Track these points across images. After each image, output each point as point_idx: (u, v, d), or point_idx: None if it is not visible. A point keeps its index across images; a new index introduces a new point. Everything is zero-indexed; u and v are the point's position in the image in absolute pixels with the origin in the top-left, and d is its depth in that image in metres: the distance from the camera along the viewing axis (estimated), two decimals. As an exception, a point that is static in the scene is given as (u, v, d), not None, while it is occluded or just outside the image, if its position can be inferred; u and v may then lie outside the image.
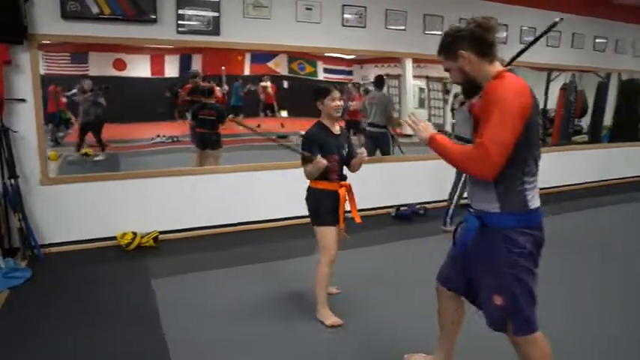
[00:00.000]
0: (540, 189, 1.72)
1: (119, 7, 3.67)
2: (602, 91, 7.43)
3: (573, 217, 5.19)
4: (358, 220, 2.72)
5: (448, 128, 10.28)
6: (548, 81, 9.11)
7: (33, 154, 3.62)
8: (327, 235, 2.61)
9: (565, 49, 6.19)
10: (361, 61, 14.34)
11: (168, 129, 6.33)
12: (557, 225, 4.04)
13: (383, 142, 5.65)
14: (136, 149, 5.93)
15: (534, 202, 1.67)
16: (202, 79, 5.40)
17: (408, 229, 4.66)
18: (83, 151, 5.10)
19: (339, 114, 2.64)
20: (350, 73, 15.16)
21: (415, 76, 7.03)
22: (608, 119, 7.53)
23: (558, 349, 1.80)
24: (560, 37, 6.05)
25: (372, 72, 15.08)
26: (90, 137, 5.19)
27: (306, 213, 2.68)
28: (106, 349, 2.40)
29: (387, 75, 14.53)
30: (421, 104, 7.89)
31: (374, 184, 4.87)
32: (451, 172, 5.49)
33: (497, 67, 1.70)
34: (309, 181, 2.68)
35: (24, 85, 3.51)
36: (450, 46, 1.73)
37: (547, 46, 5.95)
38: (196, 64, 5.41)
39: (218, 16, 4.03)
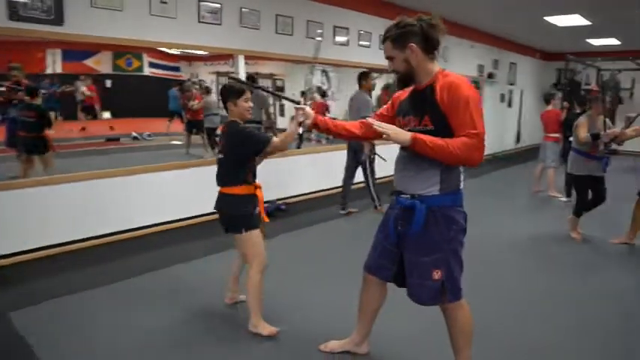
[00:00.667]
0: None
1: None
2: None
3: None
4: (266, 219, 2.69)
5: (283, 125, 10.64)
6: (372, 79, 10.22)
7: None
8: (258, 240, 2.55)
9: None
10: (190, 57, 13.85)
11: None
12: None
13: None
14: None
15: (462, 183, 1.93)
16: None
17: (272, 226, 4.68)
18: None
19: (251, 116, 2.58)
20: (177, 69, 14.53)
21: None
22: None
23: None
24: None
25: (201, 70, 14.69)
26: None
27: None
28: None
29: (217, 72, 14.32)
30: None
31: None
32: (307, 167, 5.84)
33: (437, 65, 1.90)
34: (224, 188, 2.54)
35: None
36: (401, 36, 1.85)
37: (358, 45, 6.41)
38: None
39: (61, 3, 3.53)
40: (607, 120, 4.30)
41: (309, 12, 5.54)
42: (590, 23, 7.77)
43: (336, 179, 5.32)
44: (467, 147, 1.75)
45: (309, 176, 5.92)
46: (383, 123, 1.88)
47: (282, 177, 5.43)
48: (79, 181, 3.84)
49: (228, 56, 7.74)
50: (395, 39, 1.87)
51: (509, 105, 11.34)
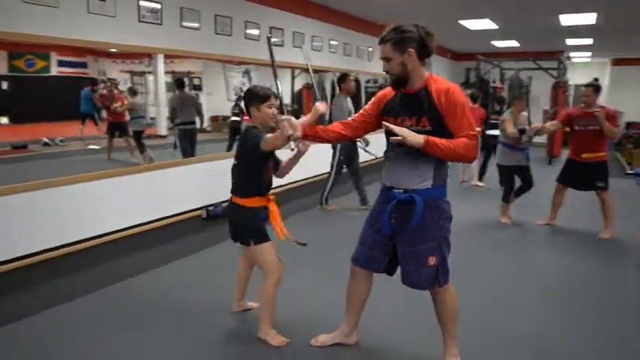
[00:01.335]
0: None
1: None
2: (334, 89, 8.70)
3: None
4: (281, 237, 2.51)
5: (204, 125, 10.39)
6: (293, 78, 10.33)
7: None
8: (271, 252, 2.46)
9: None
10: (97, 53, 12.90)
11: None
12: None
13: (194, 136, 6.23)
14: None
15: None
16: None
17: (222, 229, 4.61)
18: None
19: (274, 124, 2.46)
20: (85, 65, 13.51)
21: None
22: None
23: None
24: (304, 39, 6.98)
25: (109, 67, 13.81)
26: None
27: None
28: None
29: (132, 72, 13.58)
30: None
31: (180, 187, 4.74)
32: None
33: (425, 70, 2.05)
34: (235, 197, 2.47)
35: None
36: (402, 40, 1.97)
37: (293, 47, 6.46)
38: None
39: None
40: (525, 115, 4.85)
41: (246, 12, 5.53)
42: (497, 27, 8.52)
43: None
44: (468, 147, 1.95)
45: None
46: (398, 127, 1.97)
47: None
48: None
49: (143, 55, 7.39)
50: (396, 42, 1.99)
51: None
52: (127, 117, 7.66)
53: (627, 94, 12.77)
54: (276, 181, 2.61)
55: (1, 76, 10.99)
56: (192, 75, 12.79)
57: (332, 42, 7.29)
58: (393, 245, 2.18)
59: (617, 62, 13.36)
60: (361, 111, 2.28)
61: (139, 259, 3.76)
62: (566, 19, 7.53)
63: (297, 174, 5.81)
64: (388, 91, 2.19)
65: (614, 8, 6.65)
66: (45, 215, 3.59)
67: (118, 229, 4.09)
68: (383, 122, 2.08)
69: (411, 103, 2.05)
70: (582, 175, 4.48)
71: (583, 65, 13.96)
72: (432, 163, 2.03)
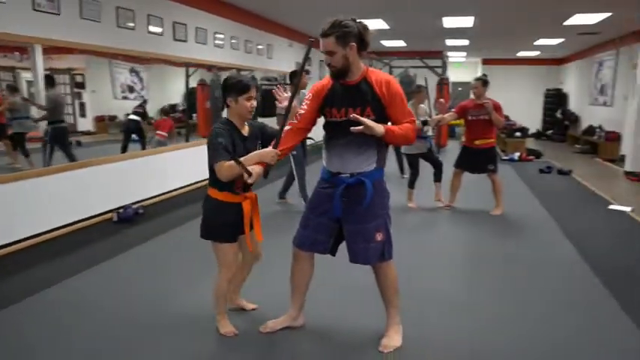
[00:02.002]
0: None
1: None
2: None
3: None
4: (259, 238, 2.46)
5: (87, 126, 9.72)
6: (187, 76, 10.02)
7: None
8: (228, 252, 2.38)
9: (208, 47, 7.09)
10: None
11: None
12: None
13: (67, 136, 5.59)
14: None
15: None
16: None
17: (136, 232, 4.42)
18: None
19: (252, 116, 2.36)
20: None
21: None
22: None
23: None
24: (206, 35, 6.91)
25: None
26: None
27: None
28: None
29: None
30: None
31: (90, 190, 4.49)
32: (150, 166, 5.60)
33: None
34: (209, 188, 2.35)
35: None
36: (345, 35, 2.10)
37: (196, 43, 6.40)
38: None
39: None
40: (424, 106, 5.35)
41: (150, 6, 5.31)
42: (388, 27, 9.10)
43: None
44: (412, 131, 2.21)
45: (168, 174, 5.71)
46: (363, 118, 2.10)
47: (137, 177, 5.16)
48: None
49: (13, 48, 6.67)
50: (339, 36, 2.11)
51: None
52: (7, 117, 6.88)
53: (496, 90, 14.34)
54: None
55: None
56: (74, 72, 11.80)
57: (233, 40, 7.25)
58: (339, 227, 2.32)
59: (487, 62, 14.97)
60: (301, 110, 2.31)
61: (55, 268, 3.48)
62: (449, 22, 8.30)
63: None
64: (322, 84, 2.30)
65: (488, 12, 7.49)
66: None
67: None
68: (353, 115, 2.11)
69: (353, 94, 2.20)
70: (475, 160, 5.05)
71: (458, 65, 15.42)
72: (376, 148, 2.22)
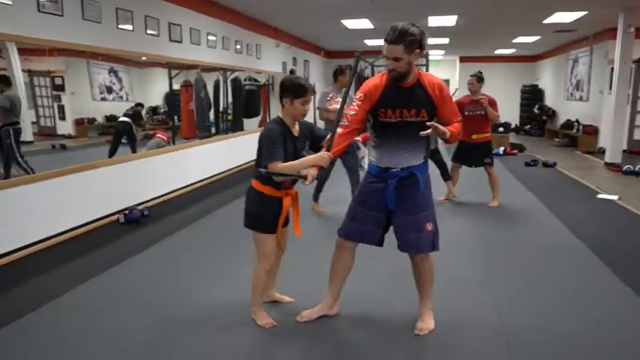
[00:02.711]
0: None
1: None
2: (217, 88, 8.07)
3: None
4: (298, 233, 2.51)
5: (67, 129, 9.45)
6: (170, 78, 9.85)
7: None
8: (267, 242, 2.46)
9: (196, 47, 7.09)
10: None
11: None
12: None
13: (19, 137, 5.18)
14: None
15: None
16: None
17: (145, 233, 4.39)
18: None
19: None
20: None
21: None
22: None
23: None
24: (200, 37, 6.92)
25: None
26: None
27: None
28: None
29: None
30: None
31: (92, 191, 4.46)
32: (154, 166, 5.57)
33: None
34: (253, 180, 2.41)
35: None
36: (413, 43, 2.18)
37: (190, 43, 6.46)
38: None
39: None
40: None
41: (147, 7, 5.31)
42: (373, 27, 9.25)
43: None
44: (460, 129, 2.39)
45: (173, 175, 5.70)
46: (437, 124, 2.20)
47: (142, 178, 5.14)
48: None
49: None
50: (408, 45, 2.17)
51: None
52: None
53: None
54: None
55: None
56: (54, 74, 11.51)
57: (225, 40, 7.27)
58: (387, 219, 2.42)
59: (464, 59, 15.32)
60: (352, 111, 2.37)
61: (58, 276, 3.46)
62: (434, 21, 8.49)
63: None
64: (374, 85, 2.33)
65: (472, 11, 7.71)
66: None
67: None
68: (431, 123, 2.20)
69: (408, 96, 2.28)
70: (472, 154, 5.22)
71: (437, 63, 15.72)
72: (424, 145, 2.37)
